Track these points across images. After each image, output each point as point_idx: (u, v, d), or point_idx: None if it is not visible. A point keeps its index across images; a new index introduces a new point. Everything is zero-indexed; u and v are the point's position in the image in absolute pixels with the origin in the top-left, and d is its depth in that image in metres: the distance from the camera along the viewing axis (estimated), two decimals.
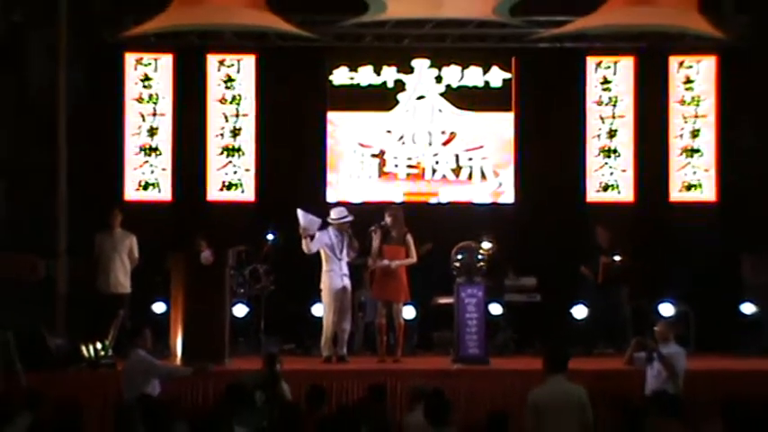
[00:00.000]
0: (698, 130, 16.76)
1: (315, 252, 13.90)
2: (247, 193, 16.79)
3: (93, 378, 12.62)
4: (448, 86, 16.93)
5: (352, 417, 8.49)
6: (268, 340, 14.63)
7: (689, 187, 16.77)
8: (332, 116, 16.95)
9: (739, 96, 16.71)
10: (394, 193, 16.79)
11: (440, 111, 16.96)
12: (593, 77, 16.90)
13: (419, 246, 14.33)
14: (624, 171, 16.82)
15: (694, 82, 16.80)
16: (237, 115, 16.81)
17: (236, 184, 16.78)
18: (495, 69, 16.89)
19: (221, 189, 16.77)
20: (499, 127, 16.94)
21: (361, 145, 16.93)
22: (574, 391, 8.90)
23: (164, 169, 16.69)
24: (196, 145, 16.72)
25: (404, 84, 16.93)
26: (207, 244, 14.15)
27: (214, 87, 16.83)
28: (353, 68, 16.90)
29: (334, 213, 14.08)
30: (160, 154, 16.68)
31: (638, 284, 15.72)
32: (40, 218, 15.20)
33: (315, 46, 16.48)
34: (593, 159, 16.86)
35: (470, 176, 16.93)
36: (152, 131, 16.68)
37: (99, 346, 13.32)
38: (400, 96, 16.93)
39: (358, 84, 16.92)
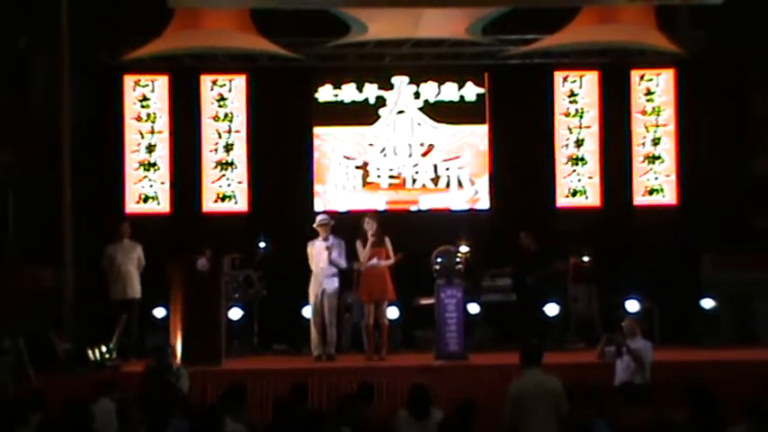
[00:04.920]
0: (659, 139, 16.75)
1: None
2: (240, 205, 16.72)
3: (99, 379, 12.50)
4: (426, 101, 16.89)
5: (335, 413, 8.44)
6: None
7: (651, 192, 16.75)
8: (318, 131, 16.89)
9: (696, 106, 16.74)
10: (377, 201, 16.72)
11: (418, 124, 16.91)
12: (560, 91, 16.88)
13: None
14: (591, 177, 16.80)
15: (654, 93, 16.79)
16: (230, 132, 16.75)
17: (229, 196, 16.71)
18: (469, 85, 16.86)
19: (216, 201, 16.70)
20: (474, 138, 16.90)
21: (346, 157, 16.88)
22: (549, 382, 8.89)
23: (162, 183, 16.62)
24: (192, 160, 16.66)
25: (384, 100, 16.88)
26: (212, 252, 13.98)
27: (208, 106, 16.77)
28: (337, 86, 16.85)
29: (318, 217, 14.13)
30: (158, 169, 16.61)
31: (605, 283, 15.70)
32: (47, 230, 15.09)
33: (301, 66, 16.45)
34: (561, 167, 16.83)
35: (448, 185, 16.89)
36: (150, 148, 16.61)
37: (104, 349, 13.26)
38: (381, 111, 16.88)
39: (342, 100, 16.87)
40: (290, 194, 16.71)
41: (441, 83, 16.88)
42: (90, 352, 13.10)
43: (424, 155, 16.90)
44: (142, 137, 16.61)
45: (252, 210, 16.71)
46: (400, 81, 16.89)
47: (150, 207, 16.56)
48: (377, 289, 13.84)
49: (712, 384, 9.05)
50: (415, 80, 16.89)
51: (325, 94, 16.86)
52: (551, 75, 16.87)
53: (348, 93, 16.86)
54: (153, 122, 16.63)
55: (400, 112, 16.91)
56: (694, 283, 16.05)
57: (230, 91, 16.77)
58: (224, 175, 16.71)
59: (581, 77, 16.86)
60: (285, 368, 13.17)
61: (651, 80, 16.82)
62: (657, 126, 16.76)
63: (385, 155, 16.89)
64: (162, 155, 16.62)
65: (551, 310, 15.45)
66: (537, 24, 15.94)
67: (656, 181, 16.73)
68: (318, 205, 16.60)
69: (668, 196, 16.73)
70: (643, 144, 16.78)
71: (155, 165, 16.60)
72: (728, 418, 8.30)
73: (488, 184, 16.87)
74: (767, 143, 16.71)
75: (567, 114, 16.86)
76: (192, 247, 14.49)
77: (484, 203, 16.91)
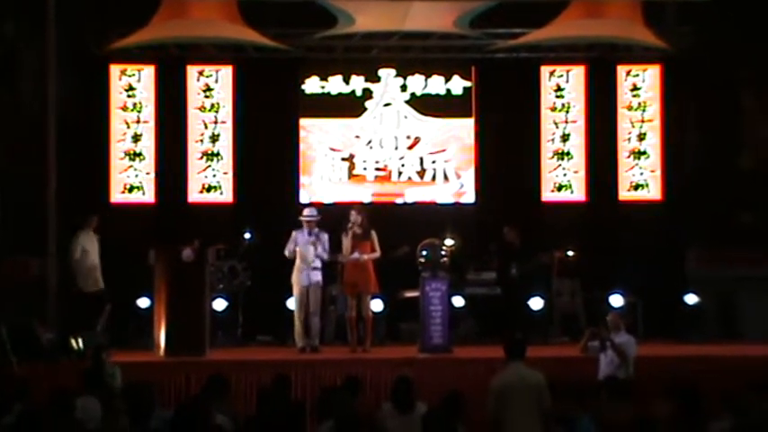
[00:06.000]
0: (644, 134, 16.76)
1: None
2: (226, 195, 16.67)
3: (81, 369, 12.44)
4: (412, 94, 16.86)
5: (319, 405, 8.41)
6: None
7: (636, 187, 16.76)
8: (304, 123, 16.85)
9: (682, 102, 16.75)
10: (363, 194, 16.70)
11: (405, 117, 16.89)
12: (546, 85, 16.87)
13: (393, 248, 14.42)
14: (576, 172, 16.79)
15: (640, 89, 16.79)
16: (216, 122, 16.69)
17: (215, 187, 16.65)
18: (456, 78, 16.83)
19: (201, 191, 16.65)
20: (460, 132, 16.89)
21: (332, 149, 16.84)
22: (533, 376, 8.88)
23: (147, 173, 16.55)
24: (177, 150, 16.60)
25: (371, 92, 16.85)
26: (200, 242, 13.89)
27: (194, 96, 16.70)
28: (324, 78, 16.81)
29: (305, 211, 14.06)
30: (144, 159, 16.55)
31: (590, 277, 15.71)
32: (32, 220, 15.01)
33: (288, 57, 16.40)
34: (547, 161, 16.83)
35: (434, 178, 16.87)
36: (136, 138, 16.54)
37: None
38: (368, 104, 16.85)
39: (328, 92, 16.83)
40: (275, 186, 16.68)
41: (428, 76, 16.85)
42: (73, 341, 13.05)
43: (411, 148, 16.88)
44: (128, 126, 16.54)
45: (237, 201, 16.66)
46: (387, 74, 16.85)
47: (135, 197, 16.50)
48: (360, 281, 13.83)
49: (696, 380, 9.07)
50: (402, 73, 16.85)
51: (312, 85, 16.82)
52: (538, 69, 16.86)
53: (335, 85, 16.82)
54: (139, 112, 16.56)
55: (387, 104, 16.88)
56: (679, 279, 16.08)
57: (216, 81, 16.71)
58: (209, 166, 16.65)
59: (567, 72, 16.85)
60: (269, 359, 13.14)
61: (637, 76, 16.82)
62: (643, 121, 16.76)
63: (371, 147, 16.86)
64: (147, 145, 16.55)
65: (536, 303, 15.45)
66: (524, 18, 15.93)
67: (642, 176, 16.73)
68: (304, 197, 16.57)
69: (653, 192, 16.74)
70: (629, 139, 16.78)
71: (140, 154, 16.54)
72: (711, 414, 8.30)
73: (474, 177, 16.85)
74: (753, 139, 16.74)
75: (554, 109, 16.85)
76: (177, 238, 14.46)
77: (469, 197, 16.89)
